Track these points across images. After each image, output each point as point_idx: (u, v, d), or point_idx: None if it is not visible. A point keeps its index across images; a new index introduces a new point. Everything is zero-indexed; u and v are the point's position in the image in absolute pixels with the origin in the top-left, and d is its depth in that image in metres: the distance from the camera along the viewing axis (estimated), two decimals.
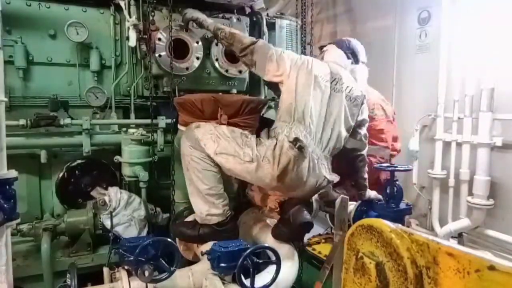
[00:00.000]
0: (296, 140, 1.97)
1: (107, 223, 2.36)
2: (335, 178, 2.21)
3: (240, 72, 3.04)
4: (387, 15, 4.03)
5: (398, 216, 2.21)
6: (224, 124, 2.29)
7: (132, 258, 1.59)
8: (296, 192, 2.15)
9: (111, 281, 1.82)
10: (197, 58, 2.82)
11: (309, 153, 2.03)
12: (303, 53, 3.11)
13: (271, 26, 3.21)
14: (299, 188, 2.09)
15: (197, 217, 2.17)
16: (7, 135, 1.81)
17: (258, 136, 2.16)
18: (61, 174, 2.65)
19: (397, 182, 2.24)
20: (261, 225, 2.43)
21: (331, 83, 2.22)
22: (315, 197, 2.57)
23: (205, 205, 2.10)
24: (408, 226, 1.20)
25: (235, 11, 3.14)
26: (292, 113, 2.10)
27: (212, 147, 2.04)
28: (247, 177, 2.09)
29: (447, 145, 3.44)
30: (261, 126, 2.27)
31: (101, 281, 1.85)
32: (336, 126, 2.20)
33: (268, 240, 2.23)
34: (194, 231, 2.14)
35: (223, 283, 1.71)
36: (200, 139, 2.06)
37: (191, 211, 2.48)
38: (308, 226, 2.23)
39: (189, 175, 2.13)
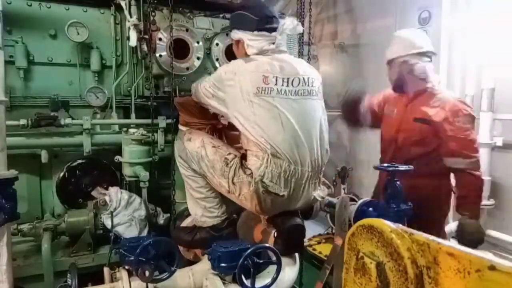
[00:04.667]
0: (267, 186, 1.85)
1: (108, 223, 2.36)
2: (325, 193, 2.10)
3: None
4: (388, 15, 4.03)
5: (399, 216, 2.21)
6: (225, 124, 2.29)
7: (132, 258, 1.59)
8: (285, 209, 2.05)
9: (112, 281, 1.82)
10: (198, 58, 2.82)
11: (293, 181, 1.90)
12: (302, 53, 3.12)
13: None
14: (286, 208, 2.01)
15: (194, 220, 2.20)
16: (8, 135, 1.83)
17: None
18: (61, 174, 2.66)
19: (397, 182, 2.24)
20: (262, 225, 2.43)
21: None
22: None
23: (199, 209, 2.14)
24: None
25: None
26: (261, 146, 1.85)
27: (195, 166, 2.06)
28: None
29: None
30: None
31: (101, 281, 1.85)
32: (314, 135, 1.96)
33: (269, 240, 2.23)
34: (190, 236, 2.15)
35: (224, 283, 1.71)
36: (189, 153, 2.08)
37: None
38: (298, 229, 2.05)
39: (182, 177, 2.20)
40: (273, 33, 1.99)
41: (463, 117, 2.40)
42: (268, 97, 1.87)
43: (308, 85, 1.99)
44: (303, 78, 1.97)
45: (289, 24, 1.99)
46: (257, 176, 1.84)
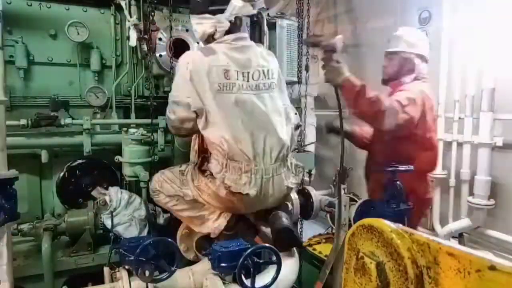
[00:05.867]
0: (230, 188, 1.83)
1: (108, 223, 2.36)
2: (298, 178, 2.09)
3: None
4: (388, 15, 4.02)
5: (399, 216, 2.20)
6: None
7: (132, 258, 1.59)
8: (261, 207, 2.04)
9: (112, 281, 1.82)
10: None
11: (258, 179, 1.87)
12: (302, 53, 3.11)
13: (272, 26, 3.21)
14: (262, 205, 2.00)
15: (212, 235, 2.10)
16: (8, 135, 1.83)
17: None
18: (61, 174, 2.66)
19: (397, 182, 2.24)
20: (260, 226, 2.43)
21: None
22: (316, 196, 2.57)
23: (206, 223, 2.07)
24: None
25: None
26: (219, 149, 1.85)
27: (165, 191, 2.09)
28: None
29: (448, 145, 3.44)
30: None
31: (101, 281, 1.85)
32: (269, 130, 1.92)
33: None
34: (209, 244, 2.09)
35: (224, 283, 1.71)
36: (156, 187, 2.12)
37: None
38: (287, 233, 1.98)
39: (178, 215, 2.16)
40: (218, 15, 1.87)
41: (400, 93, 2.43)
42: (229, 93, 1.83)
43: (268, 78, 1.94)
44: (263, 71, 1.92)
45: (236, 4, 1.86)
46: (218, 178, 1.85)
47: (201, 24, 1.91)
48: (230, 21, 1.89)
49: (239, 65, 1.87)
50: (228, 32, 1.93)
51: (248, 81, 1.88)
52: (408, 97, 2.38)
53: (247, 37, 2.00)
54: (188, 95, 1.86)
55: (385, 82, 2.78)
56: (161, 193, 2.11)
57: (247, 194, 1.84)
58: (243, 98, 1.86)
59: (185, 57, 1.94)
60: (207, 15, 1.89)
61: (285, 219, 2.02)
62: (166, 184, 2.08)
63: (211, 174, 1.90)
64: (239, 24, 1.96)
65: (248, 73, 1.88)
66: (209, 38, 1.97)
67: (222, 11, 1.87)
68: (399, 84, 2.65)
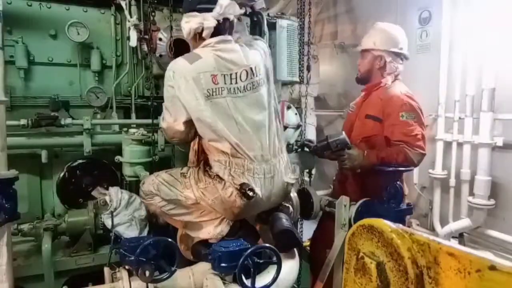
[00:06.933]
0: (244, 189, 1.78)
1: (108, 223, 2.36)
2: (296, 175, 2.08)
3: None
4: (388, 15, 4.02)
5: (399, 216, 2.21)
6: None
7: (133, 258, 1.59)
8: (264, 208, 2.02)
9: (112, 281, 1.82)
10: None
11: (260, 178, 1.86)
12: (302, 53, 3.12)
13: (272, 26, 3.21)
14: (265, 206, 1.98)
15: (211, 241, 2.01)
16: (8, 135, 1.83)
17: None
18: (62, 174, 2.66)
19: (397, 182, 2.24)
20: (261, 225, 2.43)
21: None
22: (316, 196, 2.57)
23: (209, 226, 2.01)
24: (409, 226, 1.20)
25: None
26: (220, 149, 1.85)
27: (160, 194, 2.01)
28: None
29: (448, 145, 3.44)
30: None
31: (102, 281, 1.85)
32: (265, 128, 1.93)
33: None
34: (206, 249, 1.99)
35: (224, 283, 1.71)
36: (152, 190, 2.04)
37: None
38: (288, 234, 1.97)
39: (173, 221, 2.11)
40: (203, 13, 1.84)
41: (406, 112, 2.37)
42: (219, 98, 1.83)
43: (255, 75, 1.92)
44: (250, 69, 1.90)
45: (222, 3, 1.83)
46: (227, 179, 1.83)
47: (188, 22, 1.89)
48: (218, 21, 1.87)
49: (225, 68, 1.86)
50: (213, 34, 1.90)
51: (236, 83, 1.87)
52: (420, 131, 2.37)
53: (231, 40, 1.96)
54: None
55: (359, 81, 2.72)
56: (156, 196, 2.03)
57: (255, 194, 1.81)
58: (233, 101, 1.86)
59: (170, 68, 1.94)
60: (194, 13, 1.87)
61: (285, 220, 2.01)
62: (164, 187, 2.00)
63: (219, 176, 1.87)
64: (226, 27, 1.94)
65: (236, 74, 1.87)
66: (196, 37, 1.94)
67: (210, 10, 1.85)
68: (377, 85, 2.58)
